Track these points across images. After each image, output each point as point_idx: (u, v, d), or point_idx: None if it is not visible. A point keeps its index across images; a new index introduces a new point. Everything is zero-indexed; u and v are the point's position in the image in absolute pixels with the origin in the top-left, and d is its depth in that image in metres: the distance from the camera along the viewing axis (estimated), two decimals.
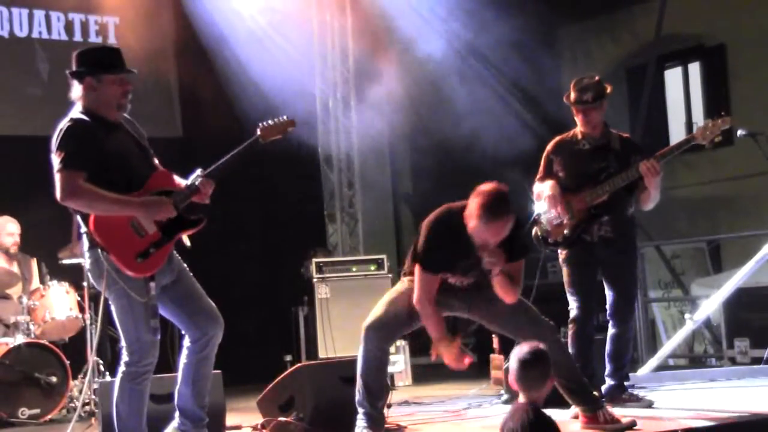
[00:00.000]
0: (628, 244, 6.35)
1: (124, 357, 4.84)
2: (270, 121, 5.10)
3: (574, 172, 6.21)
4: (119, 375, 4.86)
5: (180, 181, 4.97)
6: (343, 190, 11.32)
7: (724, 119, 6.04)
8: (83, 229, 4.80)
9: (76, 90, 4.86)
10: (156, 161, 5.07)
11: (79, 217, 4.82)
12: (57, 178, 4.64)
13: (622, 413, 5.44)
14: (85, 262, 4.95)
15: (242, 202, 9.80)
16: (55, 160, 4.67)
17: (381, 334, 5.19)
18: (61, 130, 4.71)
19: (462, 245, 5.06)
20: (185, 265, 5.08)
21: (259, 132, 5.05)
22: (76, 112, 4.82)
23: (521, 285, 5.21)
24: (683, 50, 12.23)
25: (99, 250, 4.71)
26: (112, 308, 4.86)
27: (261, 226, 9.95)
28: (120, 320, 4.83)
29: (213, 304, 5.06)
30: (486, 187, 5.02)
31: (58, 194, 4.64)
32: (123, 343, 4.85)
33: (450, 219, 5.14)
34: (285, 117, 5.15)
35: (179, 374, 5.08)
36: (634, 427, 5.25)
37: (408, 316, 5.23)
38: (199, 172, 4.92)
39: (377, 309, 5.27)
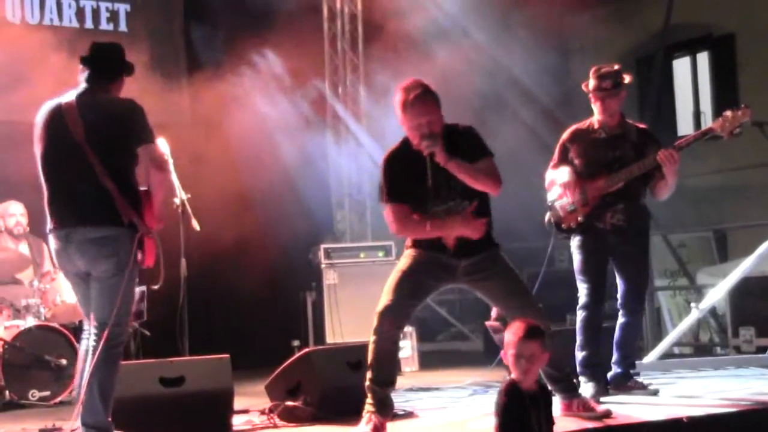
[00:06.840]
0: (640, 233, 6.32)
1: (111, 332, 4.97)
2: None
3: (590, 160, 6.19)
4: (100, 348, 4.94)
5: None
6: (351, 176, 11.35)
7: (743, 111, 5.95)
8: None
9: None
10: None
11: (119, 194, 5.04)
12: (149, 148, 5.09)
13: (628, 400, 5.47)
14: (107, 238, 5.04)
15: (250, 188, 9.82)
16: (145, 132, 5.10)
17: (393, 317, 5.19)
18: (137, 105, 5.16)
19: (417, 166, 5.17)
20: None
21: None
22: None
23: (497, 179, 5.22)
24: (692, 40, 12.23)
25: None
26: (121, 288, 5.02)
27: (269, 211, 9.97)
28: (125, 299, 5.04)
29: None
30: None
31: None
32: (112, 320, 4.97)
33: (399, 148, 5.36)
34: None
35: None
36: (610, 417, 5.22)
37: (416, 291, 5.26)
38: None
39: (387, 293, 5.24)
